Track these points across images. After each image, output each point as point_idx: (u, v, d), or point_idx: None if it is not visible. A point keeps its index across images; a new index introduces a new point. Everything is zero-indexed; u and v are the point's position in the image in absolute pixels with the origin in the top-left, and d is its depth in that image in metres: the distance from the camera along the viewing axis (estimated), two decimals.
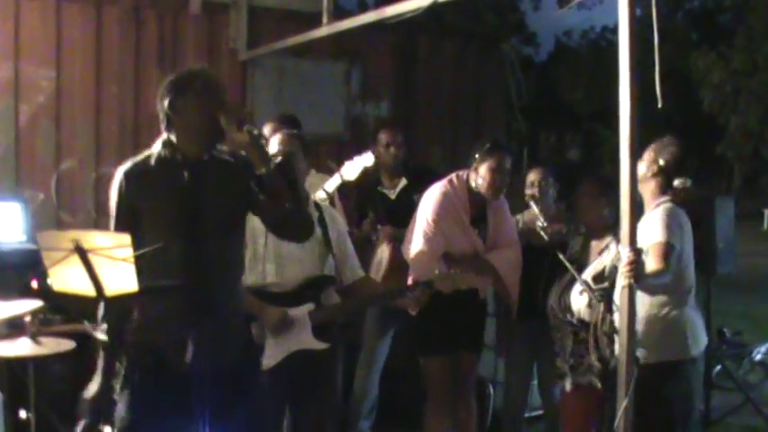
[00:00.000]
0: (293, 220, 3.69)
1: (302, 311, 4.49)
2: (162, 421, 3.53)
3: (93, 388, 3.59)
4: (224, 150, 3.68)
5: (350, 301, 4.75)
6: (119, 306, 3.46)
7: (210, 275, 3.54)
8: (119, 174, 3.62)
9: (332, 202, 5.42)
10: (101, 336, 3.51)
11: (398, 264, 5.60)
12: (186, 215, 3.52)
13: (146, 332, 3.55)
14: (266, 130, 5.27)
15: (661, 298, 4.33)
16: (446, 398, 5.30)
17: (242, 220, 3.77)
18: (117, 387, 3.53)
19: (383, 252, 5.84)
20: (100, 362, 3.58)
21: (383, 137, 6.11)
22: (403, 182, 6.05)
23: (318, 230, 4.58)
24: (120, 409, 3.55)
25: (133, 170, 3.61)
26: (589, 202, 5.02)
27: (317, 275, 4.58)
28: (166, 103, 3.56)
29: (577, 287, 4.75)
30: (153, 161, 3.61)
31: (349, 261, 4.76)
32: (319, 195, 5.41)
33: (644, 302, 4.10)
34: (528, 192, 5.53)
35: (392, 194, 6.05)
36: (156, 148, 3.64)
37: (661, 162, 4.47)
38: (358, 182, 5.67)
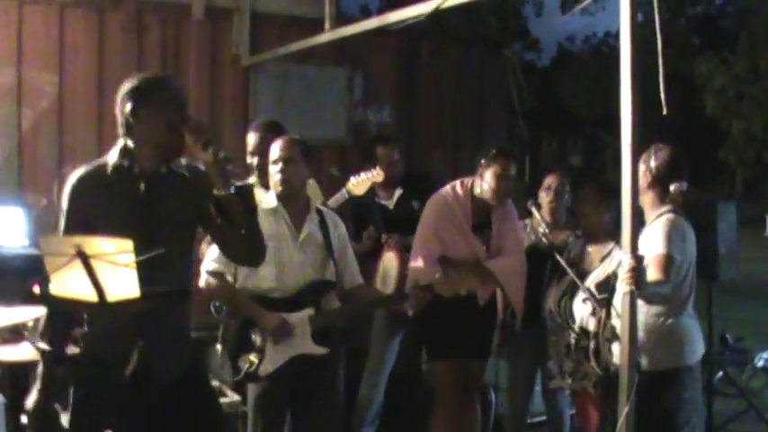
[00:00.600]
0: (245, 246, 3.64)
1: (302, 316, 4.49)
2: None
3: (31, 399, 3.56)
4: (181, 165, 3.61)
5: (350, 306, 4.74)
6: (63, 317, 3.45)
7: (161, 288, 3.43)
8: (72, 179, 3.54)
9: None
10: (41, 345, 3.48)
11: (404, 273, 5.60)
12: (140, 228, 3.40)
13: (93, 344, 3.51)
14: (251, 137, 5.26)
15: (659, 307, 4.32)
16: (453, 404, 5.29)
17: (194, 233, 3.72)
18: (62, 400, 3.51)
19: (391, 261, 5.79)
20: (39, 371, 3.54)
21: (378, 152, 6.05)
22: (399, 191, 6.02)
23: (320, 235, 4.59)
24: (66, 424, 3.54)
25: (87, 178, 3.53)
26: (590, 207, 5.03)
27: (318, 280, 4.58)
28: (128, 108, 3.47)
29: (580, 295, 4.75)
30: (109, 170, 3.53)
31: (349, 266, 4.76)
32: (333, 204, 5.41)
33: (641, 311, 4.09)
34: (543, 195, 5.51)
35: (390, 204, 6.02)
36: (113, 156, 3.55)
37: (652, 169, 4.45)
38: (365, 197, 5.65)
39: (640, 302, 4.05)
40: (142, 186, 3.51)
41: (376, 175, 5.50)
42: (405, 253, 5.56)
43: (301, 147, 4.62)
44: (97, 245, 3.05)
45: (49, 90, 6.83)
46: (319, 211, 4.69)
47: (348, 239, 4.84)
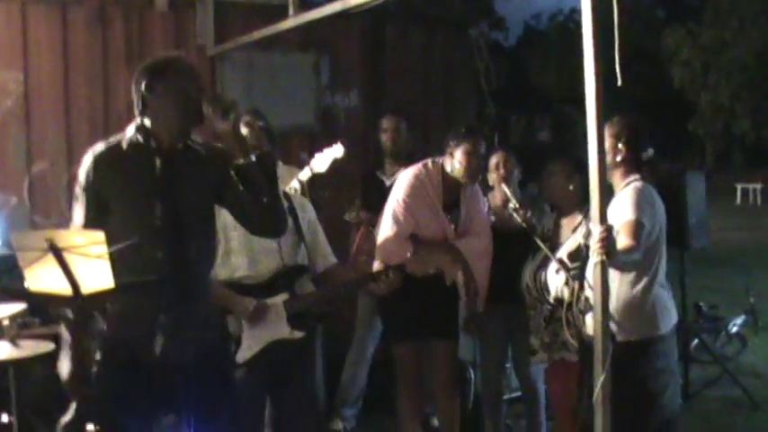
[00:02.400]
0: (269, 215, 3.64)
1: (276, 302, 4.51)
2: (138, 415, 3.52)
3: (64, 369, 3.56)
4: (198, 140, 3.63)
5: (323, 289, 4.76)
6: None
7: (183, 267, 3.49)
8: (88, 157, 3.55)
9: (303, 193, 5.43)
10: (67, 313, 3.48)
11: (367, 247, 5.65)
12: (157, 204, 3.46)
13: (117, 325, 3.53)
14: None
15: (629, 276, 4.35)
16: (414, 383, 5.33)
17: (212, 211, 3.72)
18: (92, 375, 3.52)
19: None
20: (65, 341, 3.54)
21: (384, 123, 6.19)
22: (401, 170, 6.05)
23: (289, 220, 4.60)
24: (97, 404, 3.55)
25: (103, 154, 3.54)
26: (557, 181, 5.07)
27: (290, 265, 4.59)
28: (143, 85, 3.48)
29: (553, 266, 4.79)
30: (125, 146, 3.54)
31: (320, 249, 4.78)
32: (294, 185, 5.43)
33: (613, 282, 4.13)
34: (493, 175, 5.53)
35: (388, 181, 6.05)
36: (130, 132, 3.57)
37: (615, 141, 4.48)
38: (329, 173, 5.68)
39: (612, 273, 4.10)
40: (158, 162, 3.51)
41: (336, 150, 5.56)
42: (369, 228, 5.64)
43: (268, 134, 4.65)
44: (69, 238, 3.05)
45: (14, 88, 6.77)
46: (287, 197, 4.70)
47: (318, 222, 4.85)
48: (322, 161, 5.57)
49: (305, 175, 5.57)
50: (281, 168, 5.37)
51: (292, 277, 4.59)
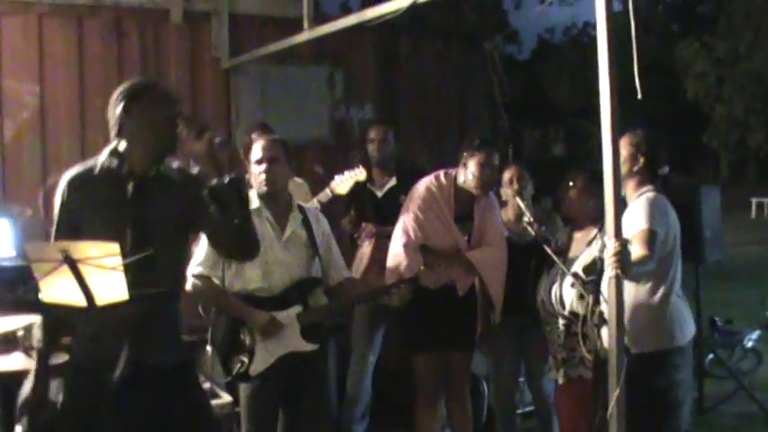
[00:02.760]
0: (240, 238, 3.64)
1: (290, 314, 4.51)
2: None
3: (26, 389, 3.57)
4: (172, 166, 3.63)
5: (337, 302, 4.75)
6: (54, 323, 3.45)
7: (149, 290, 3.42)
8: (63, 180, 3.58)
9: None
10: (36, 337, 3.49)
11: (378, 261, 5.65)
12: (127, 230, 3.44)
13: (80, 351, 3.56)
14: (245, 139, 5.31)
15: (646, 287, 4.35)
16: (434, 394, 5.33)
17: (184, 236, 3.73)
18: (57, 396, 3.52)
19: (365, 249, 5.87)
20: (33, 364, 3.55)
21: (371, 133, 6.17)
22: (392, 181, 6.07)
23: (303, 233, 4.61)
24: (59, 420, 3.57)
25: (77, 177, 3.57)
26: (574, 195, 5.05)
27: (304, 278, 4.60)
28: (120, 108, 3.51)
29: (568, 280, 4.77)
30: (97, 170, 3.56)
31: (334, 262, 4.78)
32: (315, 205, 5.46)
33: (630, 293, 4.12)
34: (507, 190, 5.52)
35: (380, 192, 6.07)
36: (103, 156, 3.58)
37: (632, 153, 4.49)
38: (350, 195, 5.70)
39: (629, 286, 4.08)
40: (130, 187, 3.52)
41: (359, 173, 5.56)
42: (381, 239, 5.64)
43: (284, 147, 4.65)
44: (84, 249, 3.06)
45: (31, 100, 6.82)
46: (301, 209, 4.72)
47: (332, 235, 4.85)
48: (344, 183, 5.58)
49: (325, 196, 5.58)
50: (294, 183, 5.41)
51: (306, 290, 4.58)
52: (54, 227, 3.58)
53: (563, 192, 5.13)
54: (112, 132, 3.57)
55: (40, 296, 3.23)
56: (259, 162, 4.55)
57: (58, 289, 3.14)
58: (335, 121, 7.94)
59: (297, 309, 4.52)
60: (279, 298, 4.51)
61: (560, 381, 4.98)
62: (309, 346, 4.51)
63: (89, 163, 3.62)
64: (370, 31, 6.74)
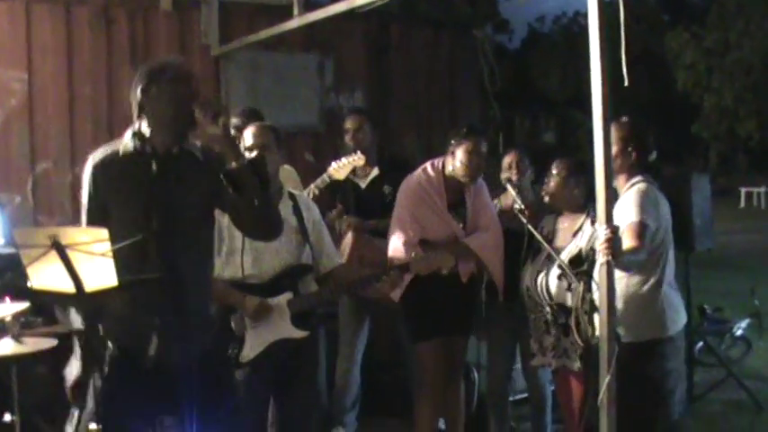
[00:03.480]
0: (262, 219, 3.63)
1: (280, 301, 4.50)
2: (139, 417, 3.55)
3: (73, 372, 3.57)
4: (196, 145, 3.63)
5: (327, 289, 4.74)
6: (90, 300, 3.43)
7: (179, 269, 3.49)
8: (89, 163, 3.60)
9: (321, 199, 5.43)
10: (75, 323, 3.48)
11: (360, 255, 5.64)
12: (153, 208, 3.47)
13: (113, 327, 3.55)
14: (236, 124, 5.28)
15: (636, 278, 4.35)
16: (438, 384, 5.29)
17: (211, 215, 3.73)
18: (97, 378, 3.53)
19: (347, 242, 5.83)
20: (76, 348, 3.55)
21: (347, 123, 6.07)
22: (375, 172, 5.98)
23: (294, 220, 4.59)
24: (100, 403, 3.57)
25: (102, 160, 3.58)
26: (557, 183, 5.04)
27: (294, 265, 4.58)
28: (139, 89, 3.52)
29: (555, 271, 4.77)
30: (122, 152, 3.57)
31: (325, 249, 4.75)
32: (312, 191, 5.44)
33: (621, 282, 4.12)
34: (505, 175, 5.53)
35: (363, 183, 6.01)
36: (127, 138, 3.59)
37: (630, 148, 4.48)
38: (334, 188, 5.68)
39: (620, 275, 4.08)
40: (154, 166, 3.53)
41: (357, 159, 5.54)
42: (362, 233, 5.62)
43: (275, 133, 4.63)
44: (72, 235, 3.05)
45: (18, 87, 6.78)
46: (292, 197, 4.70)
47: (323, 222, 4.84)
48: (341, 169, 5.55)
49: (323, 182, 5.55)
50: (284, 170, 5.38)
51: (296, 277, 4.57)
52: (84, 211, 3.60)
53: (548, 179, 5.12)
54: (134, 114, 3.57)
55: (29, 283, 3.21)
56: (249, 149, 4.53)
57: (46, 275, 3.12)
58: (325, 109, 7.92)
59: (287, 295, 4.50)
60: (269, 285, 4.49)
61: (553, 366, 5.01)
62: (299, 333, 4.49)
63: (113, 145, 3.63)
64: (360, 19, 6.73)
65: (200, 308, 3.71)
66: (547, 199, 5.10)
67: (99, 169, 3.56)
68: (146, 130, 3.55)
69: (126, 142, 3.58)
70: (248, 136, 4.56)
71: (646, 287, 4.38)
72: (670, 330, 4.44)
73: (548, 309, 4.90)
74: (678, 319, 4.51)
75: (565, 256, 4.82)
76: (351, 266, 5.55)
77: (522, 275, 5.10)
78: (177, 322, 3.51)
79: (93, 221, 3.52)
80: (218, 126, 3.47)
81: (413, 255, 4.81)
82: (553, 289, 4.82)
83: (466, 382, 5.80)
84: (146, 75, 3.54)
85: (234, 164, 3.43)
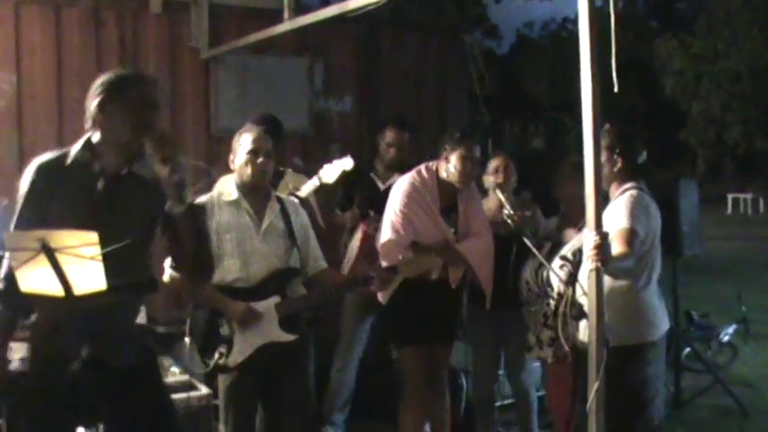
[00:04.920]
0: (190, 263, 3.64)
1: (268, 304, 4.49)
2: (55, 424, 3.50)
3: None
4: (145, 168, 3.53)
5: (315, 292, 4.74)
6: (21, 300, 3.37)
7: (112, 286, 3.28)
8: (33, 166, 3.49)
9: (309, 203, 5.42)
10: None
11: (369, 251, 5.63)
12: (92, 227, 3.24)
13: (40, 340, 3.51)
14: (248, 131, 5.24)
15: (621, 282, 4.36)
16: (423, 390, 5.28)
17: (151, 237, 3.65)
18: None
19: (354, 242, 5.86)
20: None
21: (389, 135, 6.13)
22: (396, 177, 6.01)
23: (281, 223, 4.59)
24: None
25: (48, 165, 3.48)
26: (568, 182, 5.06)
27: (282, 269, 4.57)
28: (96, 102, 3.44)
29: (557, 261, 4.77)
30: (70, 161, 3.49)
31: (312, 253, 4.76)
32: (304, 192, 5.44)
33: (605, 287, 4.13)
34: (491, 179, 5.54)
35: (382, 185, 6.03)
36: (76, 148, 3.51)
37: (616, 156, 4.49)
38: (336, 185, 5.67)
39: (605, 279, 4.09)
40: (100, 185, 3.46)
41: (346, 163, 5.54)
42: (370, 231, 5.63)
43: (273, 140, 4.67)
44: (61, 238, 3.03)
45: (7, 89, 6.75)
46: (279, 200, 4.70)
47: (310, 226, 4.84)
48: (331, 172, 5.54)
49: (313, 184, 5.55)
50: (290, 175, 5.40)
51: (284, 280, 4.57)
52: (17, 212, 3.47)
53: (557, 179, 5.13)
54: (87, 123, 3.50)
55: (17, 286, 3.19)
56: (253, 152, 4.52)
57: (34, 278, 3.10)
58: (315, 113, 7.90)
59: (275, 299, 4.50)
60: (257, 289, 4.49)
61: (550, 360, 5.00)
62: (287, 337, 4.49)
63: (61, 152, 3.53)
64: (350, 23, 6.71)
65: (129, 323, 3.67)
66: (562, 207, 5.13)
67: (43, 174, 3.46)
68: (97, 144, 3.48)
69: (75, 153, 3.50)
70: (254, 140, 4.54)
71: (629, 292, 4.39)
72: (652, 336, 4.46)
73: (549, 301, 4.88)
74: (660, 324, 4.53)
75: (568, 249, 4.78)
76: (359, 266, 5.58)
77: (522, 271, 5.11)
78: (106, 333, 3.46)
79: (23, 225, 3.41)
80: (165, 168, 3.36)
81: (400, 257, 4.80)
82: (554, 279, 4.82)
83: (453, 387, 5.81)
84: (105, 89, 3.45)
85: (174, 209, 3.40)
